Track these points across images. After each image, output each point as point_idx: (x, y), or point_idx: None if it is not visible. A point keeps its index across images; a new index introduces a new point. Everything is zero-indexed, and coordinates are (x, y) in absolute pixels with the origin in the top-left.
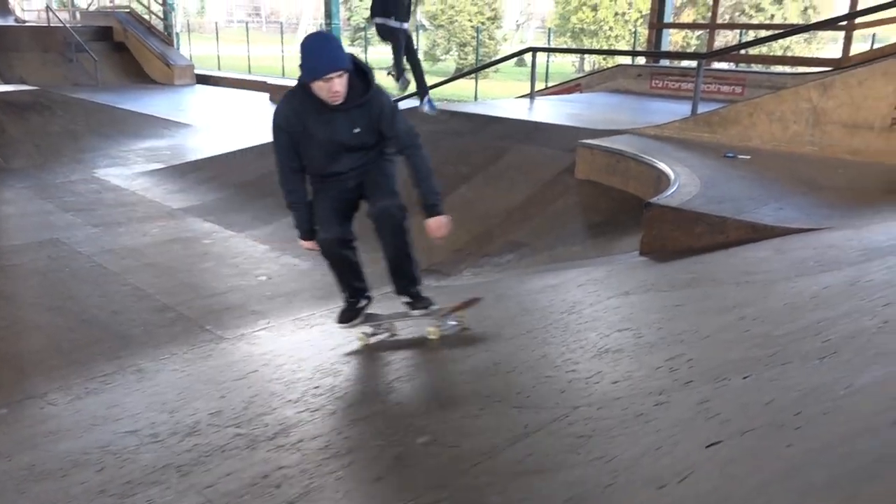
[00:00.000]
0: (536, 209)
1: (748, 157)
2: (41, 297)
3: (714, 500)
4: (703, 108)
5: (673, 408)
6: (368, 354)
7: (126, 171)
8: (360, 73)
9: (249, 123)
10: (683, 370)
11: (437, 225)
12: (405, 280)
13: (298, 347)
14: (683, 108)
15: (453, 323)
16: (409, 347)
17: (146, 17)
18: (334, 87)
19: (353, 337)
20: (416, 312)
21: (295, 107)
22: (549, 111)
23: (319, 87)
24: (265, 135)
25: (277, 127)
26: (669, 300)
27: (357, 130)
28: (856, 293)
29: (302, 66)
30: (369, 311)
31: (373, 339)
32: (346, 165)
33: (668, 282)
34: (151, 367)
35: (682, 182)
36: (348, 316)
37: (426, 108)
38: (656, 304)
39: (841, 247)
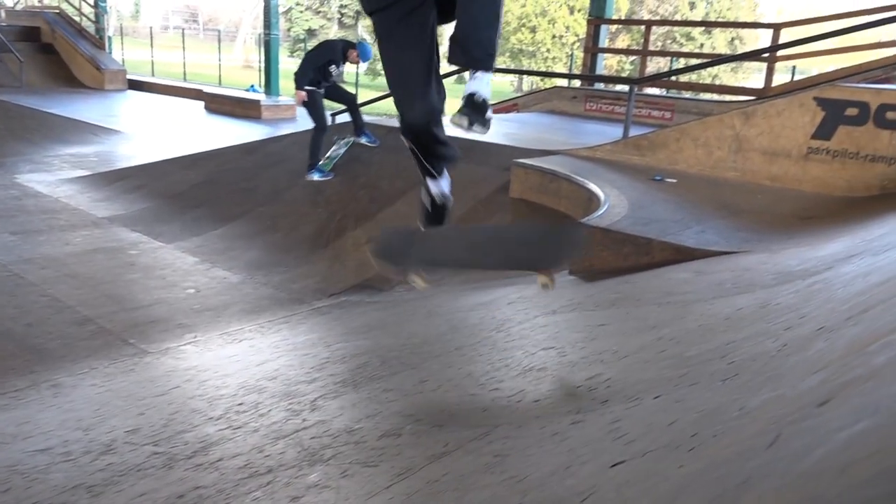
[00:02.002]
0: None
1: (675, 180)
2: None
3: None
4: (634, 132)
5: (587, 427)
6: (295, 371)
7: (50, 178)
8: None
9: (182, 132)
10: (601, 390)
11: None
12: (481, 48)
13: (224, 363)
14: (615, 131)
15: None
16: (339, 363)
17: (76, 18)
18: None
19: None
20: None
21: None
22: None
23: None
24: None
25: None
26: (594, 319)
27: None
28: (764, 315)
29: None
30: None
31: None
32: None
33: (593, 301)
34: (68, 382)
35: (611, 203)
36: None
37: (363, 139)
38: (581, 324)
39: (756, 270)
